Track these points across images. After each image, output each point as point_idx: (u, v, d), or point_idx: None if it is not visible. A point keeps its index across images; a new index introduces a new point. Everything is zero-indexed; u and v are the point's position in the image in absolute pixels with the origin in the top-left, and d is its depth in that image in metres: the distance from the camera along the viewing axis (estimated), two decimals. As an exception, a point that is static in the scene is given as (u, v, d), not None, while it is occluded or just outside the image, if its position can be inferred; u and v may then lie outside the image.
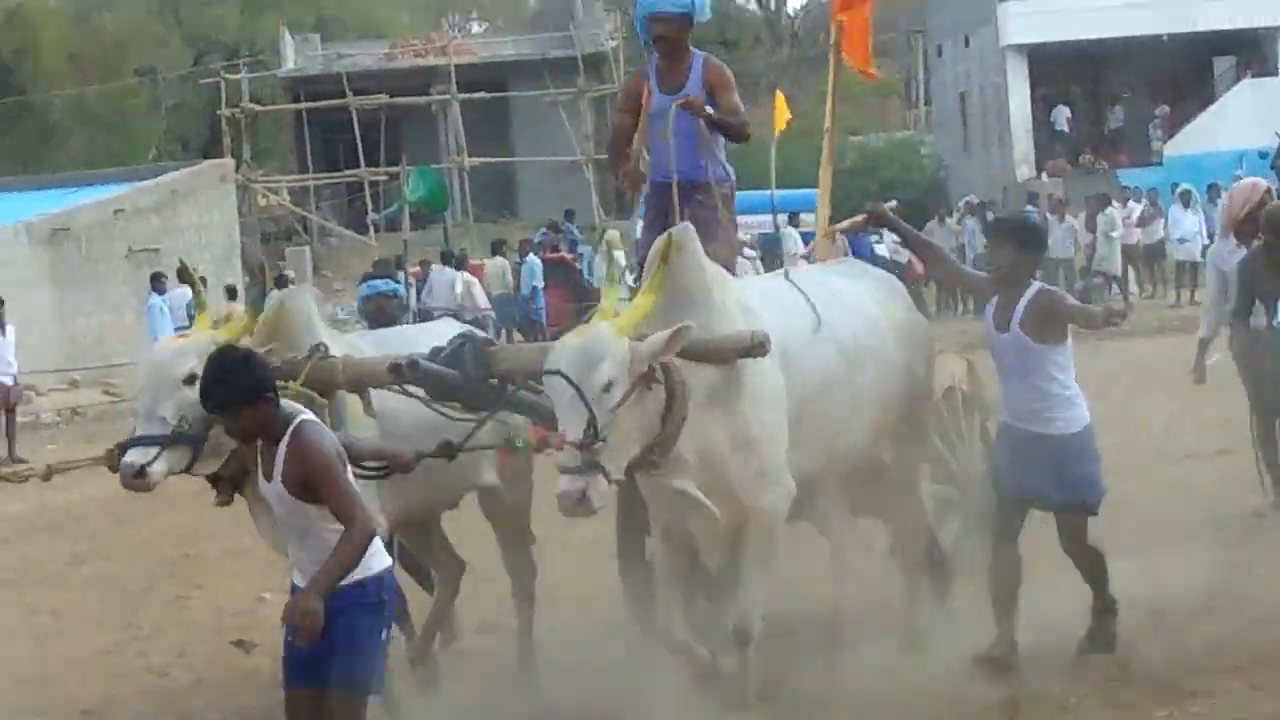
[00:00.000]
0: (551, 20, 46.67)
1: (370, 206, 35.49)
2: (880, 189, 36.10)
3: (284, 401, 5.21)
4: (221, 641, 8.67)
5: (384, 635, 5.27)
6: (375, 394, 6.55)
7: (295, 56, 43.11)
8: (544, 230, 31.51)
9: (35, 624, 9.66)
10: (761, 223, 28.05)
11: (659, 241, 6.38)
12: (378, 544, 5.18)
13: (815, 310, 6.89)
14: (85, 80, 42.65)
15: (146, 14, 47.32)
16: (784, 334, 6.56)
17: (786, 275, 7.47)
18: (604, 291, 6.66)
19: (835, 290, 7.25)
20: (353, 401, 6.56)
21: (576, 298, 26.00)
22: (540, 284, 26.94)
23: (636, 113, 7.61)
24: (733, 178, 7.72)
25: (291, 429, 5.05)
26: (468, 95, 38.96)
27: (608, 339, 5.99)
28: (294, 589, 5.13)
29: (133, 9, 47.52)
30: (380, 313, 9.25)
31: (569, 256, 28.80)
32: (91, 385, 25.01)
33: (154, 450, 6.08)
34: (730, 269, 7.35)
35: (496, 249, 28.00)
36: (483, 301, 25.11)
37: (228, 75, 39.83)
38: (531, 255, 27.51)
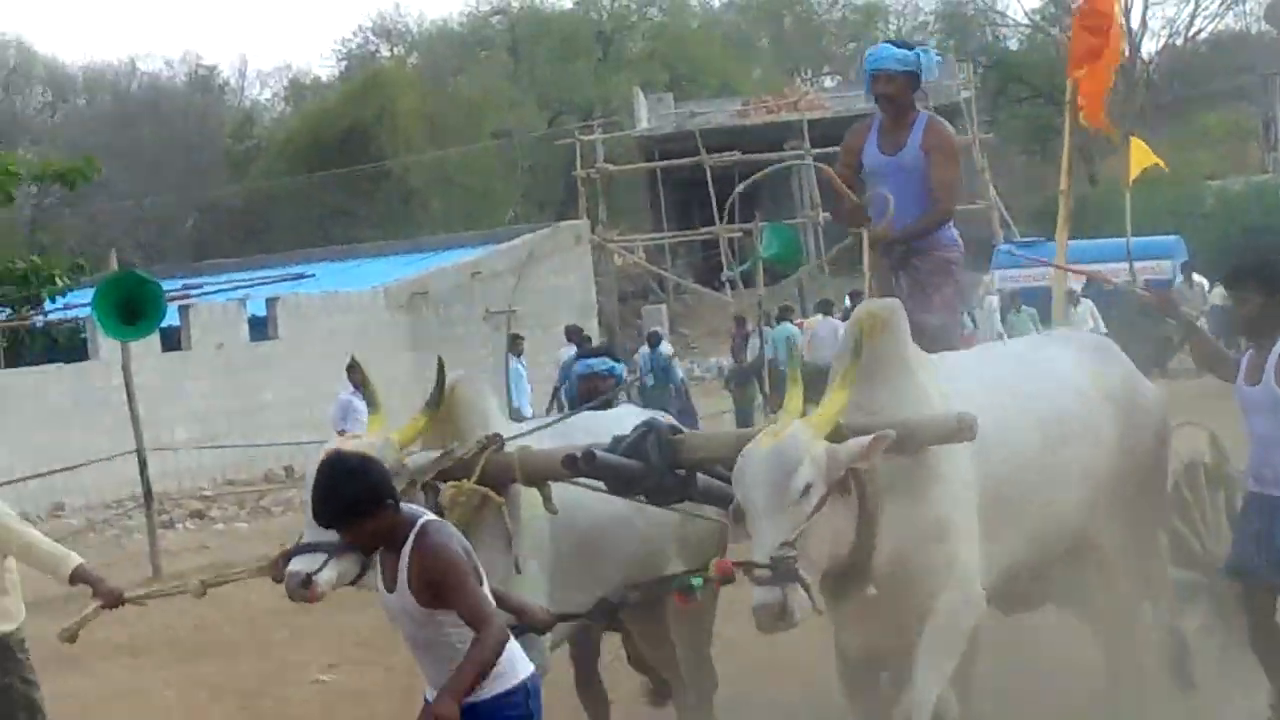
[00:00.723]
0: (903, 72, 46.16)
1: (725, 263, 35.23)
2: (1240, 233, 34.35)
3: (404, 505, 4.88)
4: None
5: None
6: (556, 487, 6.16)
7: (649, 116, 43.60)
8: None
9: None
10: (1116, 270, 27.70)
11: (857, 313, 6.08)
12: (519, 650, 4.88)
13: (1016, 386, 6.46)
14: (442, 144, 43.85)
15: (501, 76, 48.71)
16: (982, 414, 5.87)
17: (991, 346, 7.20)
18: (789, 387, 5.96)
19: (1040, 359, 6.88)
20: (528, 496, 6.17)
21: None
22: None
23: (854, 168, 7.50)
24: (960, 243, 7.45)
25: (415, 532, 4.71)
26: (820, 149, 38.35)
27: (804, 442, 5.54)
28: (426, 705, 4.77)
29: (488, 72, 48.97)
30: (594, 395, 8.52)
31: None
32: (452, 450, 25.29)
33: (321, 558, 5.49)
34: (948, 341, 7.16)
35: (822, 308, 26.82)
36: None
37: (582, 136, 40.47)
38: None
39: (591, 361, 9.36)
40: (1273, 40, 46.44)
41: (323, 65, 77.01)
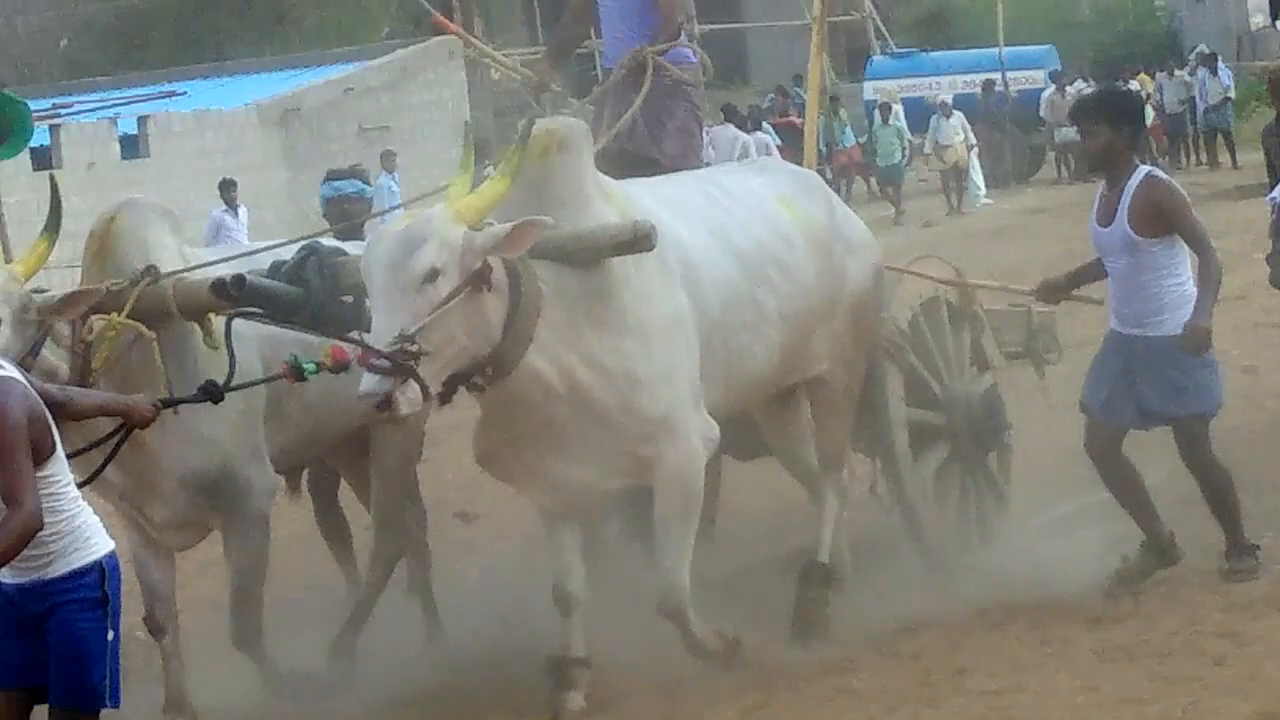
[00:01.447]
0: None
1: (601, 76, 35.55)
2: (1115, 42, 35.29)
3: None
4: (445, 514, 8.23)
5: (111, 635, 4.35)
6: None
7: (519, -71, 43.38)
8: (772, 96, 31.19)
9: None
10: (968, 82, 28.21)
11: (536, 129, 5.51)
12: (96, 525, 4.39)
13: (714, 218, 6.06)
14: (318, -43, 43.24)
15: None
16: (687, 246, 5.77)
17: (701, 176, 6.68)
18: (459, 172, 5.50)
19: (740, 190, 6.35)
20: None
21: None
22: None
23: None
24: (696, 59, 7.11)
25: None
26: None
27: (439, 222, 5.12)
28: None
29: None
30: (344, 218, 8.16)
31: (798, 121, 28.42)
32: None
33: None
34: (688, 162, 6.86)
35: (728, 115, 27.67)
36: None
37: (454, -50, 40.25)
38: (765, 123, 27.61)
39: (339, 184, 8.82)
40: None
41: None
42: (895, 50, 34.69)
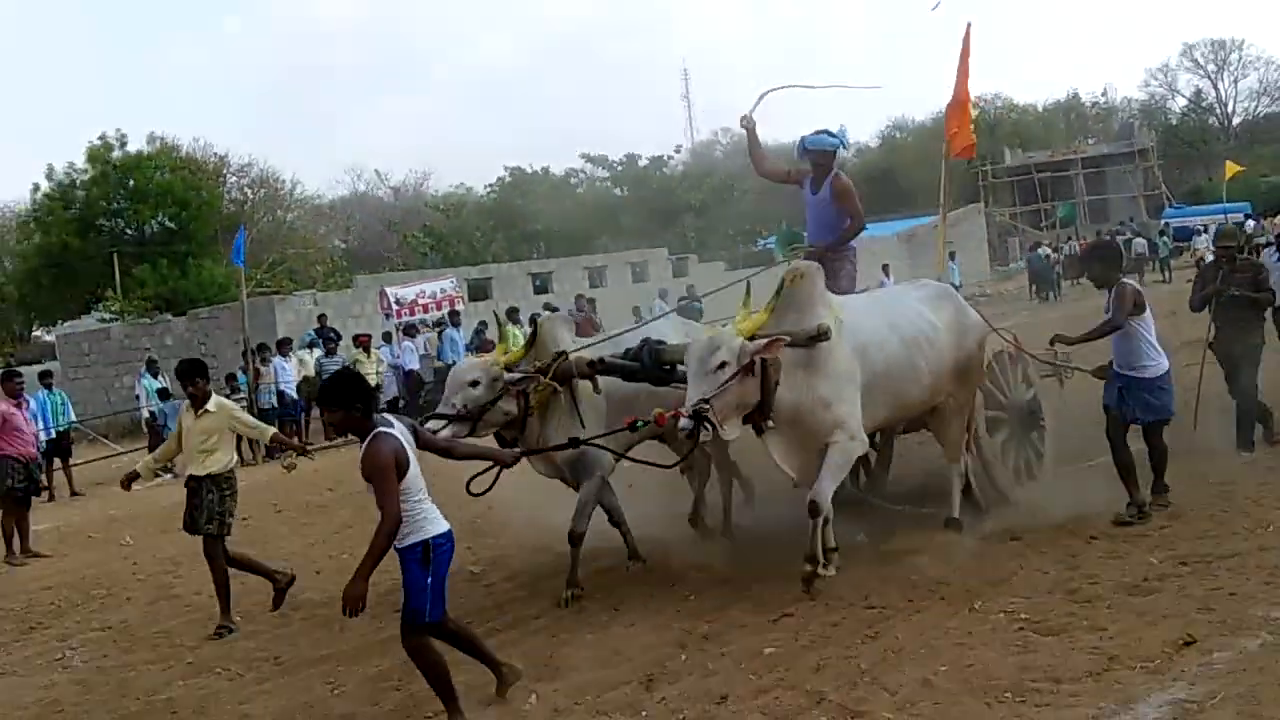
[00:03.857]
0: None
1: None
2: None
3: (378, 416, 7.53)
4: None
5: (430, 579, 7.43)
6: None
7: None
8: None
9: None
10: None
11: (787, 272, 9.92)
12: (434, 515, 7.51)
13: (888, 314, 10.44)
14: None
15: None
16: (864, 333, 9.98)
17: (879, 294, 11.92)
18: (739, 313, 9.74)
19: (903, 299, 10.94)
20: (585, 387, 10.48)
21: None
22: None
23: (786, 180, 12.00)
24: (854, 248, 11.67)
25: (372, 434, 7.39)
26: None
27: (727, 337, 9.27)
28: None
29: None
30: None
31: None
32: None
33: (441, 424, 10.00)
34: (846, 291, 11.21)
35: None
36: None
37: None
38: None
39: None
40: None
41: None
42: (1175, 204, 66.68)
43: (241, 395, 24.66)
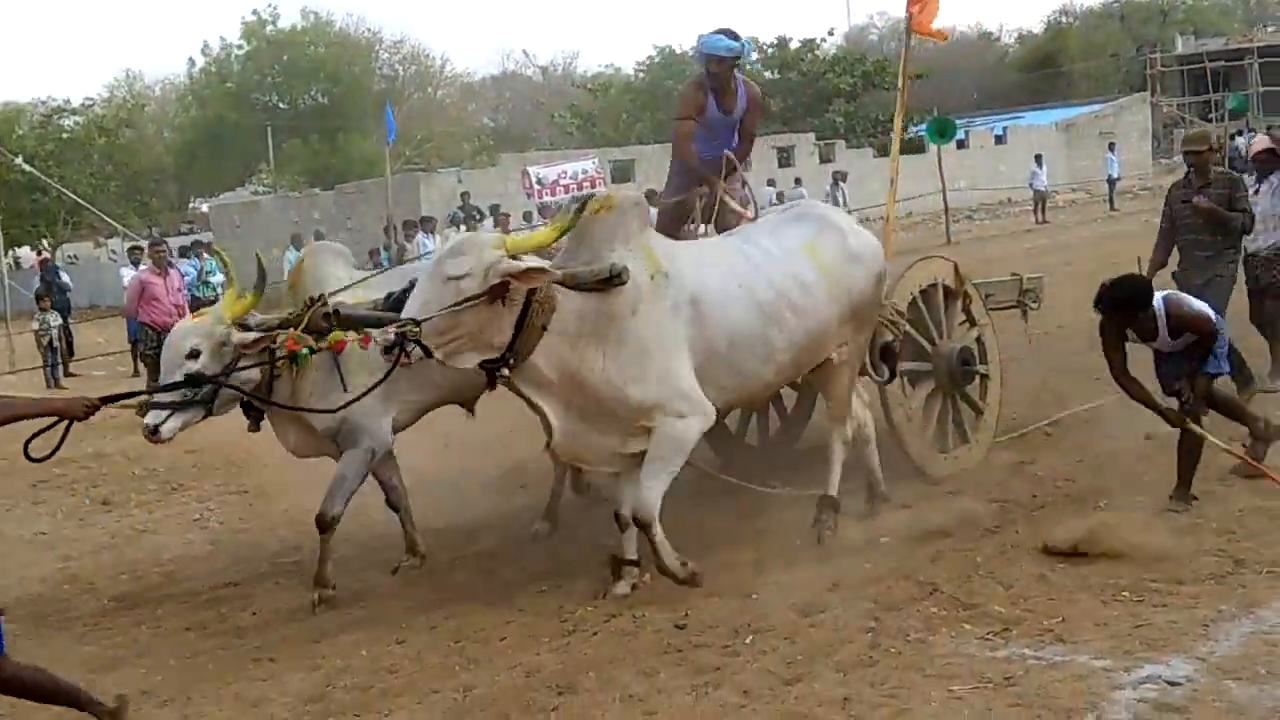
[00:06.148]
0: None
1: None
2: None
3: None
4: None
5: None
6: None
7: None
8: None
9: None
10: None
11: (598, 195, 7.70)
12: None
13: (741, 270, 7.86)
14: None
15: None
16: (707, 293, 7.57)
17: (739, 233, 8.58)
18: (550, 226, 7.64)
19: (768, 248, 8.14)
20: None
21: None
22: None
23: (694, 118, 9.66)
24: (741, 171, 9.90)
25: None
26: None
27: (481, 244, 7.03)
28: None
29: None
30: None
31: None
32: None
33: (165, 414, 7.82)
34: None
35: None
36: None
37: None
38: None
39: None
40: None
41: None
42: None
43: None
